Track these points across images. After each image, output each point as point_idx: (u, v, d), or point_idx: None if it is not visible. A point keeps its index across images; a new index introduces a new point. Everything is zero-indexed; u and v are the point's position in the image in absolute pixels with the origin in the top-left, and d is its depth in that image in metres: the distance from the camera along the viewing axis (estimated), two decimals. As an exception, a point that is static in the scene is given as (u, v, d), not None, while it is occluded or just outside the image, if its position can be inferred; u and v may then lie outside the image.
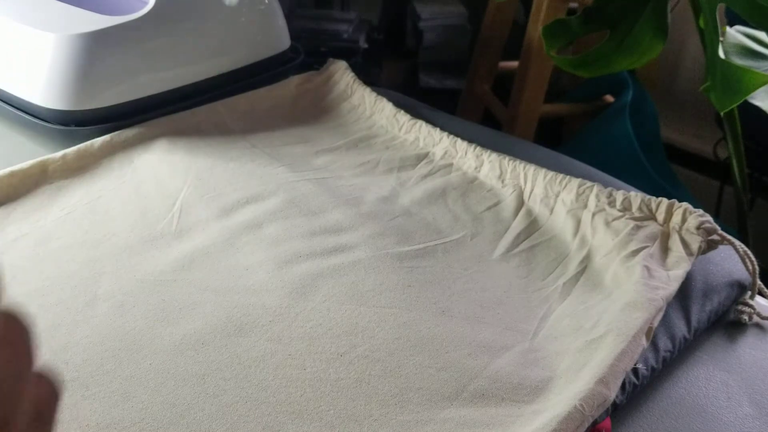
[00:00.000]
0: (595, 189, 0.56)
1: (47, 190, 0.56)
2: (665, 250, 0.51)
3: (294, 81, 0.76)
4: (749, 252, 0.51)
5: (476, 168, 0.62)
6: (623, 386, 0.41)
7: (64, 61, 0.62)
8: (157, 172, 0.59)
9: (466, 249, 0.53)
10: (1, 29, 0.67)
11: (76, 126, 0.63)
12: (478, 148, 0.63)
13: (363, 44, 1.40)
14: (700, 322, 0.48)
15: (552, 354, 0.43)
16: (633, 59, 0.82)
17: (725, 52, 0.74)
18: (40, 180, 0.57)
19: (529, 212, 0.57)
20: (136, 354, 0.42)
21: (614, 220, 0.53)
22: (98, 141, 0.61)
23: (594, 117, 1.36)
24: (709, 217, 0.51)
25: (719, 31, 0.73)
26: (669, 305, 0.47)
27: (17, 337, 0.25)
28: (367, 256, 0.50)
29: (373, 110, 0.72)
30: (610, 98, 1.38)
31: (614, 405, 0.41)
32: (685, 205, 0.52)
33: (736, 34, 0.80)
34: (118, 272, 0.48)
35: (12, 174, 0.56)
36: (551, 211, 0.56)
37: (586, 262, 0.51)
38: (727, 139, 0.89)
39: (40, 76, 0.64)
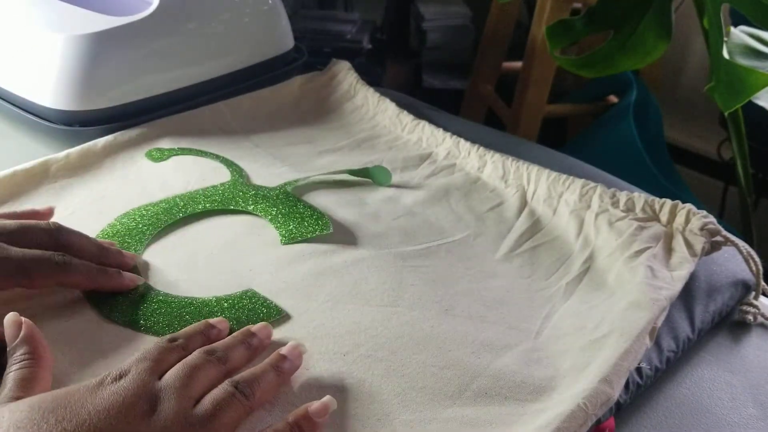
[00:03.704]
0: (599, 189, 0.56)
1: (50, 190, 0.56)
2: (669, 250, 0.51)
3: (297, 81, 0.76)
4: (753, 253, 0.51)
5: (479, 168, 0.62)
6: (627, 386, 0.41)
7: (68, 62, 0.62)
8: (161, 172, 0.59)
9: (469, 249, 0.53)
10: (5, 30, 0.67)
11: (80, 126, 0.63)
12: (481, 149, 0.63)
13: (366, 45, 1.40)
14: (704, 322, 0.48)
15: (555, 353, 0.43)
16: (637, 59, 0.82)
17: (729, 53, 0.74)
18: (43, 180, 0.57)
19: (532, 212, 0.57)
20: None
21: (618, 220, 0.53)
22: (101, 141, 0.61)
23: (597, 117, 1.36)
24: (712, 218, 0.51)
25: (723, 31, 0.73)
26: (672, 306, 0.46)
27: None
28: (369, 255, 0.50)
29: (376, 110, 0.72)
30: (613, 99, 1.38)
31: (618, 405, 0.40)
32: (688, 206, 0.52)
33: (740, 34, 0.80)
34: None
35: (14, 174, 0.56)
36: (554, 211, 0.56)
37: (589, 263, 0.51)
38: (731, 140, 0.89)
39: (44, 77, 0.64)
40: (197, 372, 0.36)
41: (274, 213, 0.54)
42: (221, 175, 0.59)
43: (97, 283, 0.44)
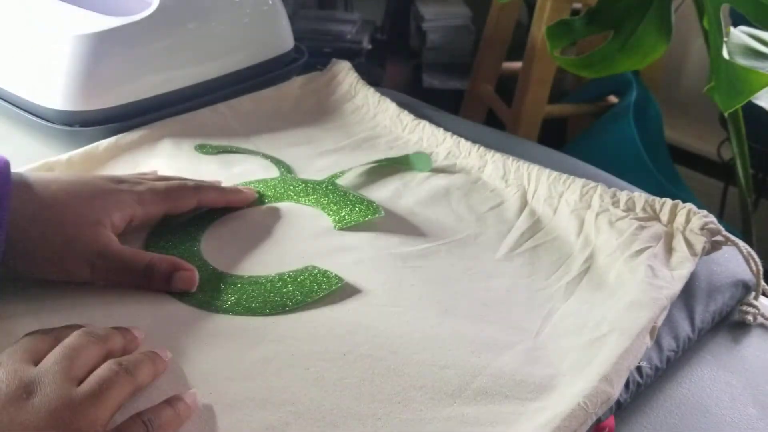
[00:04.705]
0: (599, 189, 0.56)
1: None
2: (669, 250, 0.51)
3: (297, 82, 0.76)
4: (753, 253, 0.51)
5: (480, 168, 0.62)
6: (627, 385, 0.41)
7: (68, 62, 0.62)
8: (163, 174, 0.59)
9: (470, 249, 0.53)
10: (5, 30, 0.67)
11: (80, 126, 0.63)
12: (482, 149, 0.63)
13: (366, 45, 1.40)
14: (704, 322, 0.48)
15: (555, 352, 0.43)
16: (636, 60, 0.82)
17: (729, 53, 0.74)
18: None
19: (533, 212, 0.57)
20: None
21: (618, 220, 0.53)
22: (104, 143, 0.61)
23: (598, 118, 1.36)
24: (713, 218, 0.51)
25: (723, 31, 0.73)
26: (673, 305, 0.46)
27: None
28: (370, 255, 0.50)
29: (377, 111, 0.72)
30: (613, 99, 1.38)
31: (618, 404, 0.40)
32: (689, 205, 0.52)
33: (740, 34, 0.80)
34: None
35: (16, 174, 0.56)
36: (555, 211, 0.56)
37: (589, 262, 0.51)
38: (731, 140, 0.89)
39: (44, 77, 0.64)
40: (77, 352, 0.36)
41: (325, 203, 0.55)
42: (269, 171, 0.61)
43: (226, 197, 0.54)
